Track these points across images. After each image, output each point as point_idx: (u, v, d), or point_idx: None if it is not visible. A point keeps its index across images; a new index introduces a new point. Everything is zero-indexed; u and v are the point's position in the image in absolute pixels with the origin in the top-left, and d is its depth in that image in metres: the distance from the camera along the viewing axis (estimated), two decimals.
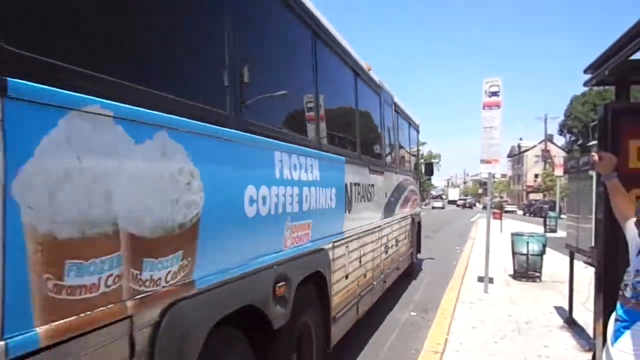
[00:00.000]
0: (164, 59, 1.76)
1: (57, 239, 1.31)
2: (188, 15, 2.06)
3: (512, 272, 10.04)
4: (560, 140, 70.76)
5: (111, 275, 1.51)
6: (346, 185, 4.34)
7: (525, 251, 9.72)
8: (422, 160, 14.76)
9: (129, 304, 1.54)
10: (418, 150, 12.05)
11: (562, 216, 24.60)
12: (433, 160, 79.42)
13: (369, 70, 5.83)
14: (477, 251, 14.09)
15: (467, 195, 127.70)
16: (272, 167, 2.57)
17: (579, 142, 61.98)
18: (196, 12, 2.15)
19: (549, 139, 72.58)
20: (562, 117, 64.48)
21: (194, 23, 2.09)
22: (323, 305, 3.60)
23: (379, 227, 6.26)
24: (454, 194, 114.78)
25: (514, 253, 9.92)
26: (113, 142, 1.46)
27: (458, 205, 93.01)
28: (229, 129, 2.10)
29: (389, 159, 7.43)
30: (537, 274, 9.57)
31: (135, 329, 1.58)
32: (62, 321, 1.40)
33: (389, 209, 7.34)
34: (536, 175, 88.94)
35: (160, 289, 1.73)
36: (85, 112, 1.42)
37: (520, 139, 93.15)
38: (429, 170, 14.70)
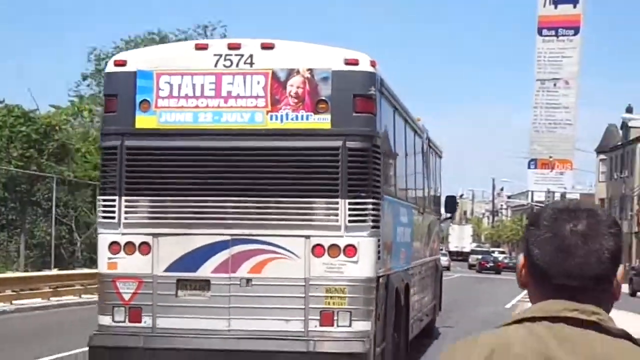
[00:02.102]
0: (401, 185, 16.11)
1: (387, 243, 13.46)
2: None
3: None
4: None
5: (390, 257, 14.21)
6: (413, 227, 17.37)
7: None
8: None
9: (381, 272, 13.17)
10: (441, 180, 21.25)
11: None
12: None
13: (419, 120, 15.89)
14: None
15: (495, 244, 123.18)
16: (399, 215, 15.35)
17: None
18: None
19: None
20: None
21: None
22: (407, 309, 16.05)
23: (422, 264, 16.20)
24: (460, 236, 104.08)
25: None
26: (394, 210, 14.52)
27: (472, 267, 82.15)
28: (391, 200, 14.40)
29: (426, 199, 17.57)
30: None
31: (388, 278, 13.67)
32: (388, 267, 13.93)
33: (424, 250, 17.13)
34: None
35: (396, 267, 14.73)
36: (394, 202, 14.77)
37: (629, 110, 71.56)
38: (451, 206, 22.27)
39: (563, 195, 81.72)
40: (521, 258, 2.38)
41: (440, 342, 19.87)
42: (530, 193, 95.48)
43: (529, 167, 17.16)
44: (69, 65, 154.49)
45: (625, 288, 57.69)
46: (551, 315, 2.24)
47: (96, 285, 13.97)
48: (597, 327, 2.24)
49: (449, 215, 23.12)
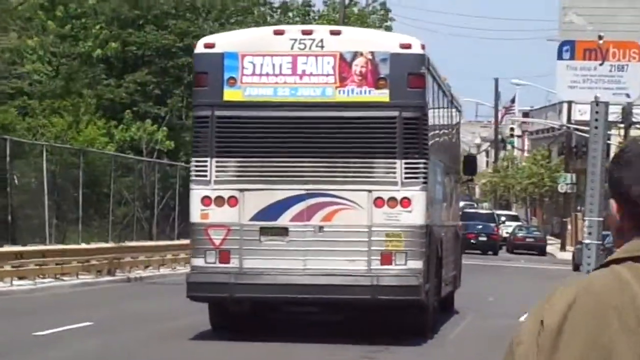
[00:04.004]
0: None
1: (431, 198, 26.86)
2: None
3: None
4: None
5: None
6: (444, 187, 31.15)
7: None
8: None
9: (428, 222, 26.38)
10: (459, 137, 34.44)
11: None
12: None
13: (445, 80, 29.69)
14: None
15: (503, 203, 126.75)
16: (435, 177, 29.70)
17: None
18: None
19: None
20: None
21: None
22: (441, 262, 30.51)
23: (448, 226, 30.80)
24: None
25: None
26: (435, 170, 28.20)
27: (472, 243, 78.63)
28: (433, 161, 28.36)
29: (450, 160, 31.42)
30: None
31: (432, 228, 27.28)
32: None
33: (450, 212, 31.58)
34: None
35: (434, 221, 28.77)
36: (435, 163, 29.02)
37: None
38: (471, 168, 35.57)
39: (627, 110, 74.61)
40: (613, 203, 3.40)
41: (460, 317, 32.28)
42: (565, 107, 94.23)
43: (559, 58, 15.54)
44: None
45: None
46: (633, 255, 3.24)
47: None
48: None
49: (469, 177, 36.55)
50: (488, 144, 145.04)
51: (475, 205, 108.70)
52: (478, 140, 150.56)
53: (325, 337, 25.45)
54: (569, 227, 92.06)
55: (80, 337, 26.64)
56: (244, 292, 24.31)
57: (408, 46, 24.11)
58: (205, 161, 24.48)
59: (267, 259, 24.23)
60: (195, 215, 24.64)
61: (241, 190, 24.36)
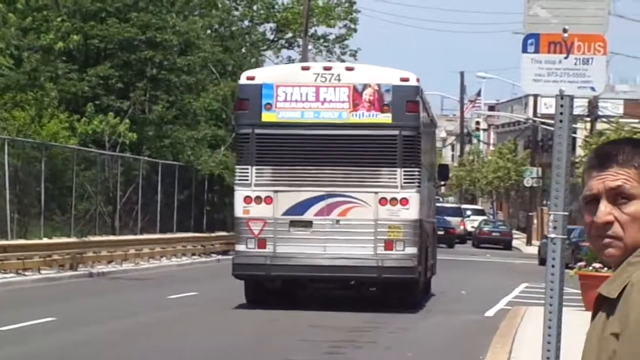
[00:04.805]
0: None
1: (422, 199, 39.23)
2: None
3: None
4: None
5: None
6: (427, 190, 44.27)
7: None
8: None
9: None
10: (435, 149, 49.64)
11: None
12: None
13: (429, 103, 45.07)
14: None
15: (469, 197, 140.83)
16: (424, 182, 38.79)
17: None
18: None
19: None
20: None
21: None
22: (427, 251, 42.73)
23: (429, 222, 46.84)
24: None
25: None
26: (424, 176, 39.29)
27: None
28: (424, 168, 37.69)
29: (429, 167, 46.66)
30: None
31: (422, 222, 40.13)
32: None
33: (430, 211, 47.97)
34: None
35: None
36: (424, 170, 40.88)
37: None
38: (444, 175, 51.73)
39: (592, 104, 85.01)
40: None
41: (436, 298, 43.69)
42: (530, 100, 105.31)
43: (524, 51, 17.29)
44: None
45: None
46: None
47: None
48: None
49: (442, 182, 48.57)
50: (454, 137, 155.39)
51: (441, 200, 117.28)
52: (443, 134, 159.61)
53: (337, 307, 35.96)
54: (535, 221, 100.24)
55: (43, 332, 29.62)
56: (277, 272, 34.98)
57: (406, 79, 34.86)
58: (247, 169, 35.08)
59: (296, 245, 34.91)
60: (238, 211, 35.34)
61: (275, 191, 34.93)
